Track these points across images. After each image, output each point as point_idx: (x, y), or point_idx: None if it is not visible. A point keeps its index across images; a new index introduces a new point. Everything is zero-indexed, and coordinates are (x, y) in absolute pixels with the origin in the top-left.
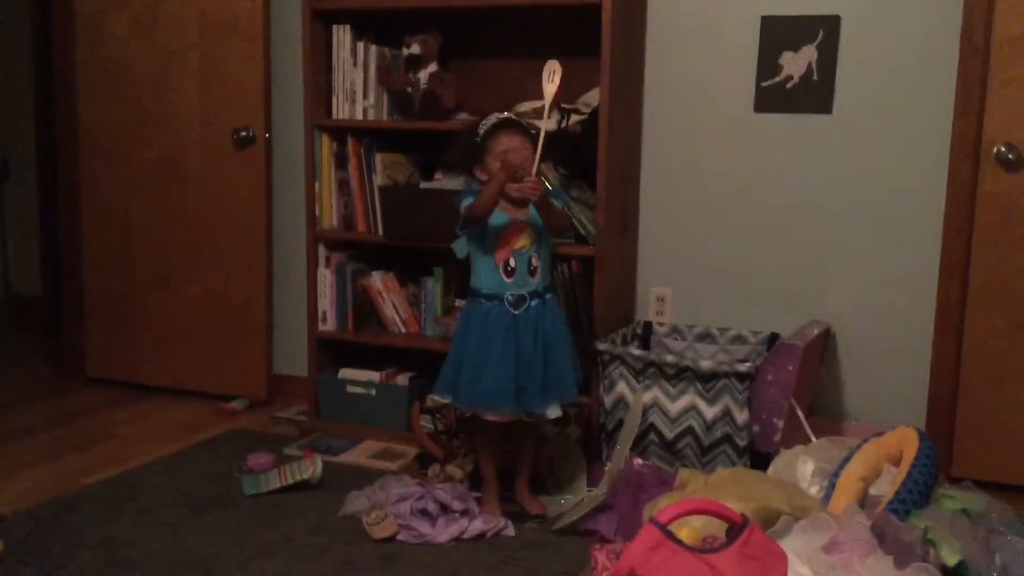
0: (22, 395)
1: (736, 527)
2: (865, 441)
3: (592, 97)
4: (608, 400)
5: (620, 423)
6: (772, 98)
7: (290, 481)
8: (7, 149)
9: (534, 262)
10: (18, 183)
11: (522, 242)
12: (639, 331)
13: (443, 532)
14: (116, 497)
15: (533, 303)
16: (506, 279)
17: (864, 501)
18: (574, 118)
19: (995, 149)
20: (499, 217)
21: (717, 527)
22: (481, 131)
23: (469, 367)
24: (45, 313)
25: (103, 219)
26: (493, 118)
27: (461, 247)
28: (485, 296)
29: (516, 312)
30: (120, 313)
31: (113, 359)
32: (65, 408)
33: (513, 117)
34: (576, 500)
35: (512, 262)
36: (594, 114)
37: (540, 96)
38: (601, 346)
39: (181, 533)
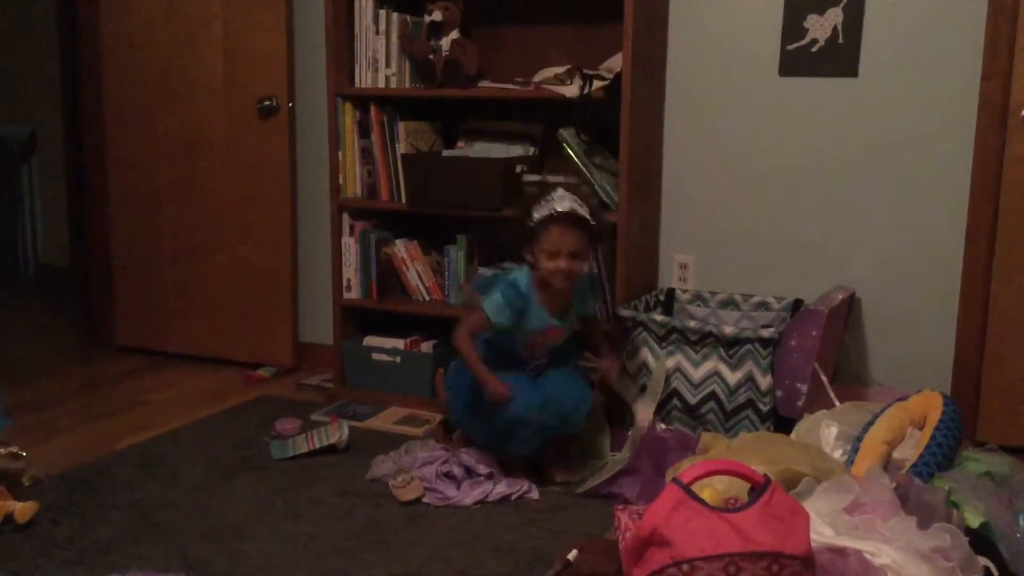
0: (53, 363)
1: (758, 487)
2: (889, 405)
3: (615, 62)
4: (631, 366)
5: (643, 389)
6: (797, 61)
7: (317, 446)
8: (34, 121)
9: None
10: (45, 155)
11: (553, 340)
12: (662, 298)
13: (468, 495)
14: (147, 461)
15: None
16: (530, 357)
17: (888, 464)
18: (596, 84)
19: (1023, 112)
20: (538, 319)
21: (740, 489)
22: (535, 219)
23: (494, 424)
24: (73, 283)
25: (130, 190)
26: (547, 209)
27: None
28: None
29: (533, 375)
30: (148, 282)
31: (142, 328)
32: (95, 376)
33: (570, 210)
34: (599, 464)
35: (539, 352)
36: (617, 80)
37: (561, 62)
38: (624, 312)
39: (211, 496)
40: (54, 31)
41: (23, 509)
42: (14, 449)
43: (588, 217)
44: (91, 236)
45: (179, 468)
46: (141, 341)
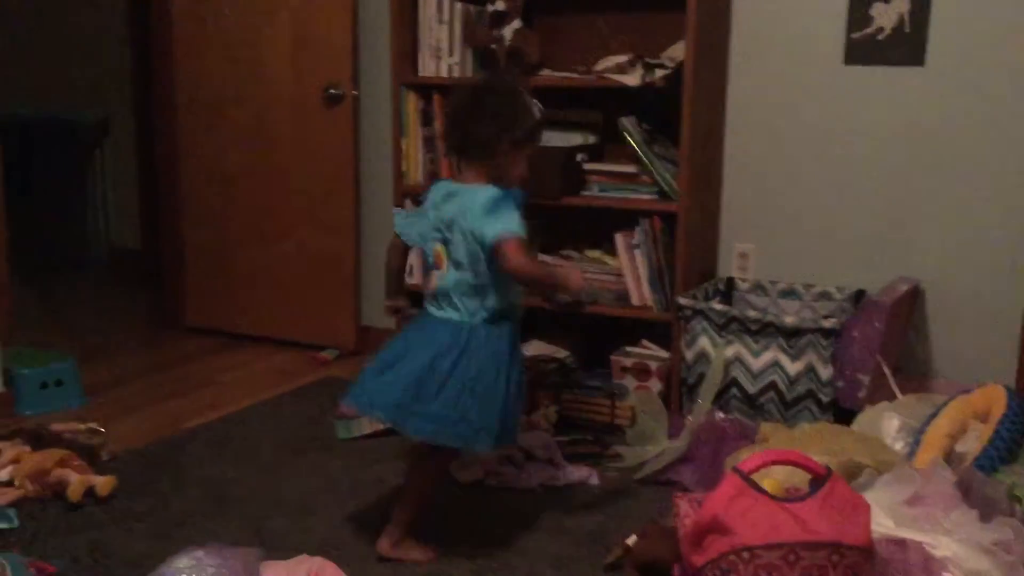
0: (126, 343)
1: (819, 478)
2: (952, 398)
3: (677, 51)
4: (689, 355)
5: (701, 377)
6: (862, 50)
7: (380, 427)
8: (106, 107)
9: None
10: (117, 140)
11: None
12: (721, 287)
13: (528, 478)
14: (218, 439)
15: None
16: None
17: (950, 457)
18: (658, 73)
19: None
20: None
21: (800, 479)
22: (533, 121)
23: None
24: (144, 266)
25: (200, 175)
26: (535, 110)
27: None
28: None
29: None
30: (217, 265)
31: (211, 309)
32: (167, 356)
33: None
34: (657, 451)
35: None
36: (679, 68)
37: (623, 51)
38: (683, 301)
39: (280, 473)
40: (126, 17)
41: (103, 483)
42: (93, 425)
43: None
44: (162, 220)
45: (249, 446)
46: (210, 322)
